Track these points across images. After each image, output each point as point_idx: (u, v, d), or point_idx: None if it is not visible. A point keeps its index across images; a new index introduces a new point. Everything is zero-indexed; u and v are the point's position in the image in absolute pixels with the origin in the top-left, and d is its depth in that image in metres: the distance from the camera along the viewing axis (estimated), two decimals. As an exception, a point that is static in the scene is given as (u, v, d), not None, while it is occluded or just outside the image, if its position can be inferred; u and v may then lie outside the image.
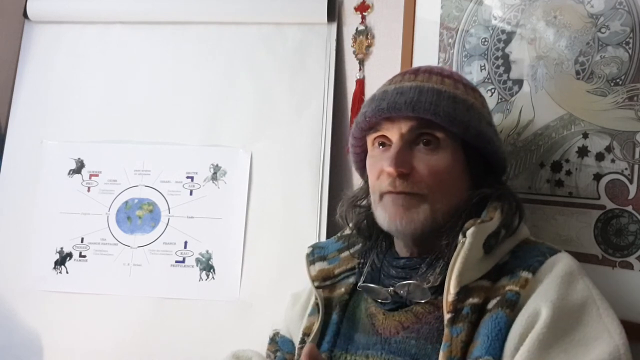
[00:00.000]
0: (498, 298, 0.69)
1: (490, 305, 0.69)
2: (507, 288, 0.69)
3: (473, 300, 0.69)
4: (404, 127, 0.76)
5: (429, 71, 0.82)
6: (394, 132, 0.77)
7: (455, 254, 0.70)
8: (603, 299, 0.69)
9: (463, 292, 0.69)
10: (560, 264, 0.71)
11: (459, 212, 0.76)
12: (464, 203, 0.77)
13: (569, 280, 0.68)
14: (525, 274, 0.69)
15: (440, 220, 0.76)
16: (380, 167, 0.78)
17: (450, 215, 0.76)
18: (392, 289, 0.77)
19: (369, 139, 0.83)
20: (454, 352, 0.66)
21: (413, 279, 0.76)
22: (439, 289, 0.74)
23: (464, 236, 0.70)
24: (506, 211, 0.75)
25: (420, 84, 0.78)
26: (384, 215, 0.78)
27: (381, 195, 0.78)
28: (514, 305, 0.67)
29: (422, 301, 0.75)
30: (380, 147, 0.81)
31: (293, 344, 0.92)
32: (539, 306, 0.65)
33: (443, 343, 0.67)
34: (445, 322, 0.68)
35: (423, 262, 0.77)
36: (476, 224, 0.71)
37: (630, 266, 0.88)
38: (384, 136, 0.79)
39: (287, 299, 0.97)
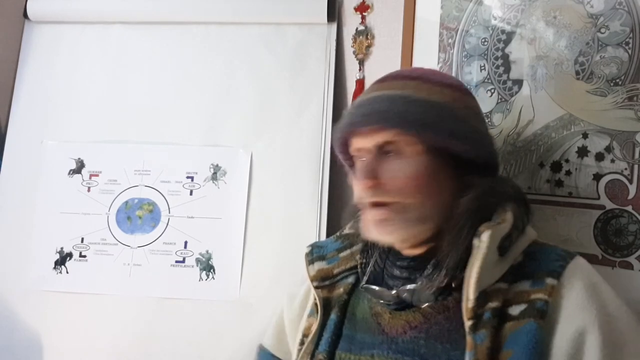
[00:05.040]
0: (524, 306, 0.68)
1: (515, 311, 0.68)
2: (534, 296, 0.68)
3: (492, 304, 0.68)
4: (369, 139, 0.77)
5: (394, 76, 0.81)
6: (364, 145, 0.78)
7: (472, 259, 0.69)
8: (624, 304, 0.71)
9: (482, 297, 0.69)
10: (582, 270, 0.71)
11: (456, 215, 0.75)
12: (458, 205, 0.75)
13: (597, 290, 0.69)
14: (550, 281, 0.69)
15: (422, 226, 0.75)
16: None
17: (435, 217, 0.75)
18: (395, 292, 0.76)
19: (352, 152, 0.82)
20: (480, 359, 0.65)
21: (418, 280, 0.75)
22: (445, 290, 0.73)
23: (480, 240, 0.70)
24: (515, 210, 0.74)
25: (378, 93, 0.78)
26: (367, 228, 0.79)
27: (364, 209, 0.79)
28: (544, 314, 0.67)
29: (427, 304, 0.74)
30: (361, 159, 0.81)
31: (274, 357, 0.93)
32: (584, 325, 0.66)
33: (467, 351, 0.66)
34: (467, 329, 0.68)
35: (428, 262, 0.76)
36: (492, 227, 0.70)
37: (630, 266, 0.88)
38: (359, 148, 0.80)
39: (283, 298, 0.97)
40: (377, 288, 0.79)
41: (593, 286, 0.69)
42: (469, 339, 0.67)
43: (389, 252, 0.83)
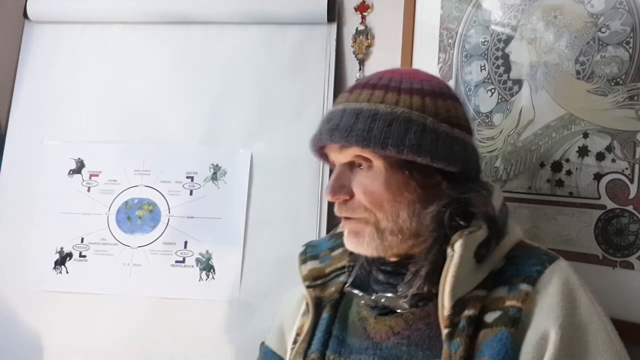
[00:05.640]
0: (499, 313, 0.68)
1: (490, 318, 0.68)
2: (508, 303, 0.68)
3: (469, 312, 0.68)
4: (338, 153, 0.76)
5: (363, 85, 0.78)
6: (336, 158, 0.78)
7: (445, 268, 0.68)
8: (605, 314, 0.69)
9: (458, 305, 0.68)
10: (560, 275, 0.69)
11: (425, 225, 0.73)
12: (431, 215, 0.73)
13: (571, 296, 0.68)
14: (524, 287, 0.68)
15: (393, 238, 0.74)
16: None
17: (406, 228, 0.74)
18: (374, 297, 0.76)
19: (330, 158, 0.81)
20: None
21: (399, 286, 0.75)
22: (427, 296, 0.72)
23: (452, 249, 0.69)
24: (492, 218, 0.72)
25: (345, 106, 0.76)
26: (344, 237, 0.79)
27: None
28: (517, 323, 0.66)
29: (409, 310, 0.74)
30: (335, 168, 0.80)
31: (275, 355, 0.92)
32: (547, 329, 0.65)
33: (443, 358, 0.66)
34: (444, 337, 0.68)
35: (408, 268, 0.75)
36: (464, 235, 0.69)
37: (630, 266, 0.88)
38: (334, 159, 0.79)
39: (284, 298, 0.97)
40: (358, 292, 0.79)
41: (569, 292, 0.68)
42: (445, 347, 0.67)
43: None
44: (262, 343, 0.96)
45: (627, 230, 0.88)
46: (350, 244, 0.78)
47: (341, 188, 0.75)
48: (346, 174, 0.76)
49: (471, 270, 0.70)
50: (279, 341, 0.93)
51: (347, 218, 0.77)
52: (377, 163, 0.74)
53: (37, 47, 1.42)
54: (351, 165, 0.76)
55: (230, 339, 1.22)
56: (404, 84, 0.76)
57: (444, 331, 0.68)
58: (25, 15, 1.42)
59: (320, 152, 0.82)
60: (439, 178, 0.74)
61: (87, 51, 1.40)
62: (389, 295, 0.75)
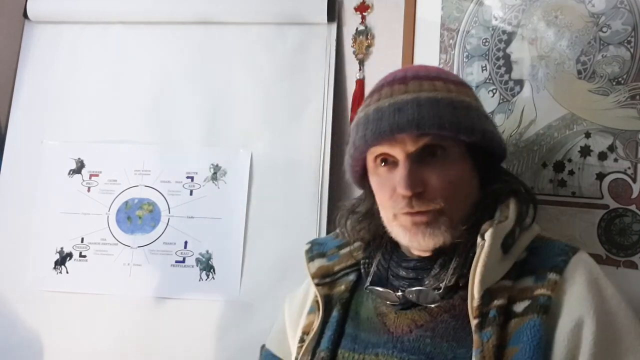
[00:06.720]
0: (528, 302, 0.68)
1: (519, 308, 0.68)
2: (537, 292, 0.68)
3: (498, 302, 0.68)
4: (410, 145, 0.73)
5: (417, 77, 0.77)
6: (398, 151, 0.74)
7: (476, 258, 0.69)
8: (627, 303, 0.70)
9: (487, 295, 0.69)
10: (585, 265, 0.71)
11: (472, 211, 0.75)
12: (478, 202, 0.76)
13: (599, 285, 0.69)
14: (553, 276, 0.69)
15: (460, 227, 0.74)
16: (390, 187, 0.75)
17: (465, 218, 0.75)
18: (400, 293, 0.76)
19: (369, 156, 0.78)
20: (487, 357, 0.65)
21: (425, 279, 0.75)
22: (452, 289, 0.73)
23: (482, 239, 0.69)
24: (519, 207, 0.74)
25: (415, 95, 0.73)
26: (404, 234, 0.76)
27: (396, 215, 0.76)
28: (547, 310, 0.67)
29: (433, 305, 0.74)
30: (383, 164, 0.77)
31: (275, 357, 0.91)
32: (582, 316, 0.66)
33: (474, 349, 0.66)
34: (473, 328, 0.68)
35: (435, 262, 0.76)
36: (494, 225, 0.70)
37: (634, 266, 0.88)
38: (386, 153, 0.76)
39: (285, 300, 0.96)
40: (382, 290, 0.78)
41: (595, 281, 0.69)
42: (475, 337, 0.67)
43: (393, 253, 0.83)
44: (263, 346, 0.96)
45: (630, 230, 0.88)
46: (420, 237, 0.74)
47: (417, 180, 0.72)
48: (416, 167, 0.73)
49: (498, 261, 0.71)
50: (280, 343, 0.93)
51: (416, 213, 0.73)
52: (454, 150, 0.74)
53: (37, 47, 1.42)
54: (421, 156, 0.73)
55: (230, 339, 1.22)
56: (449, 75, 0.81)
57: (474, 321, 0.68)
58: (25, 15, 1.42)
59: (364, 153, 0.79)
60: (486, 163, 0.78)
61: (87, 51, 1.40)
62: (420, 288, 0.74)
